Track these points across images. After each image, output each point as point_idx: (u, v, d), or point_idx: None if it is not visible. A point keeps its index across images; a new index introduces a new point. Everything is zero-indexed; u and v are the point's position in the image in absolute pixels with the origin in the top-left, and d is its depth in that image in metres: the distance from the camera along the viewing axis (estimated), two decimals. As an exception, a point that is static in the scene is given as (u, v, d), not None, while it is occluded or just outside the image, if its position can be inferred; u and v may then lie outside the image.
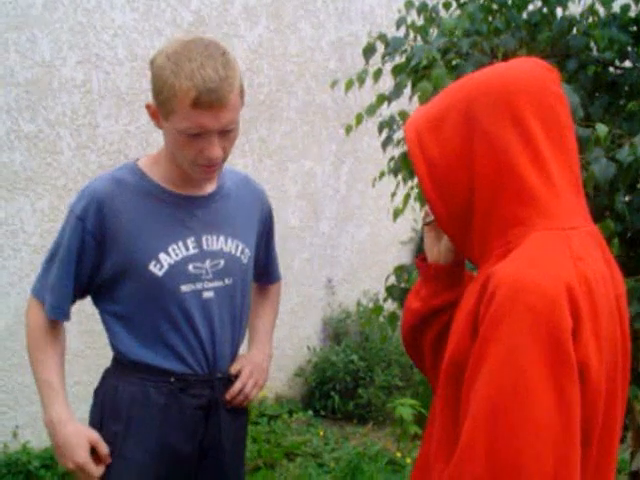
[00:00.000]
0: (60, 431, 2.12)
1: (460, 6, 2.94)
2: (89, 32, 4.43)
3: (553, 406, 1.24)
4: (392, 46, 2.95)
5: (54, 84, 4.34)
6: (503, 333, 1.27)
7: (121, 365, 2.20)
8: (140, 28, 4.62)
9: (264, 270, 2.48)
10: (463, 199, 1.45)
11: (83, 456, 2.08)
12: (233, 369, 2.25)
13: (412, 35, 3.00)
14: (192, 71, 1.86)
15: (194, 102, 1.87)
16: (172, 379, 2.14)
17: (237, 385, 2.24)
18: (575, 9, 2.81)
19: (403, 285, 2.83)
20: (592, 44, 2.63)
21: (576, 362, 1.26)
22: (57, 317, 2.18)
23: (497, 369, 1.27)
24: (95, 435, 2.12)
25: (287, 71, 5.37)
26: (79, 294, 2.18)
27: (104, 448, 2.11)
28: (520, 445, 1.24)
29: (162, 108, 1.95)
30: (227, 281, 2.19)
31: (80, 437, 2.10)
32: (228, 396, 2.22)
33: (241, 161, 5.04)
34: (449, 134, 1.46)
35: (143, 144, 4.66)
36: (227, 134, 1.99)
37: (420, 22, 3.00)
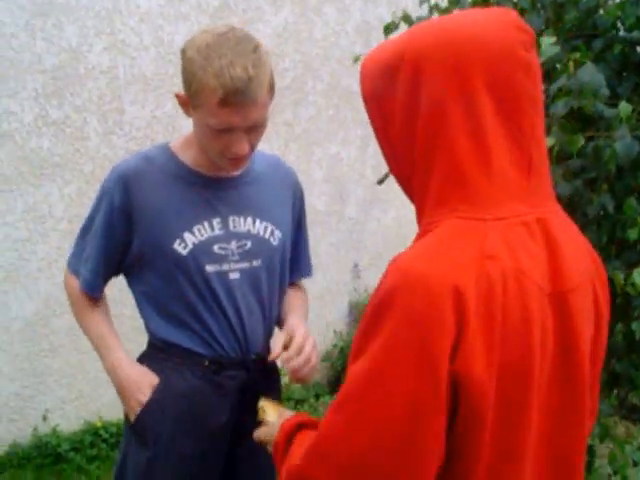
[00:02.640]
0: (121, 373, 2.19)
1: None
2: (115, 18, 4.44)
3: (405, 407, 1.18)
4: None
5: (80, 70, 4.35)
6: (380, 327, 1.21)
7: (155, 348, 2.22)
8: (166, 13, 4.62)
9: (294, 260, 2.41)
10: (407, 161, 1.35)
11: (147, 394, 2.15)
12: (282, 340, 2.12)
13: (436, 16, 2.98)
14: (221, 69, 1.85)
15: (221, 101, 1.87)
16: (206, 362, 2.15)
17: (295, 344, 2.10)
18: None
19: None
20: (619, 24, 2.60)
21: (451, 371, 1.17)
22: (90, 291, 2.23)
23: (367, 362, 1.22)
24: (156, 379, 2.17)
25: (312, 55, 5.36)
26: (111, 270, 2.22)
27: None
28: (362, 433, 1.22)
29: (191, 100, 1.96)
30: (255, 263, 2.18)
31: (143, 378, 2.17)
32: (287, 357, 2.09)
33: (267, 146, 5.04)
34: (400, 87, 1.32)
35: (169, 129, 4.67)
36: (255, 129, 1.99)
37: (444, 4, 2.99)
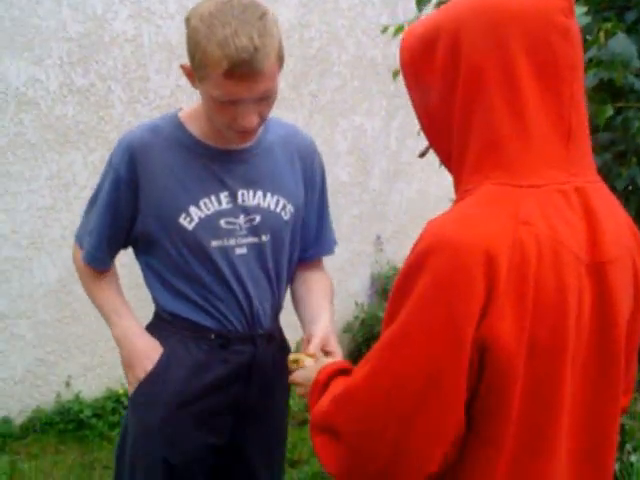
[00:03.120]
0: (130, 342, 2.18)
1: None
2: (140, -15, 4.42)
3: (426, 366, 1.22)
4: (446, -4, 2.89)
5: (105, 38, 4.35)
6: (410, 290, 1.23)
7: (161, 319, 2.20)
8: (191, -19, 4.60)
9: (316, 235, 2.35)
10: (447, 129, 1.35)
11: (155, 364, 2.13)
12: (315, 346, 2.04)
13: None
14: (225, 38, 1.76)
15: (226, 73, 1.79)
16: (212, 336, 2.12)
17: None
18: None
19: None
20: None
21: (478, 335, 1.19)
22: (94, 265, 2.22)
23: (397, 324, 1.25)
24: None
25: (338, 25, 5.32)
26: (117, 245, 2.19)
27: None
28: (380, 386, 1.26)
29: (196, 71, 1.89)
30: (264, 238, 2.13)
31: (152, 349, 2.15)
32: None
33: (291, 116, 5.02)
34: (440, 59, 1.33)
35: (194, 98, 4.63)
36: (264, 100, 1.91)
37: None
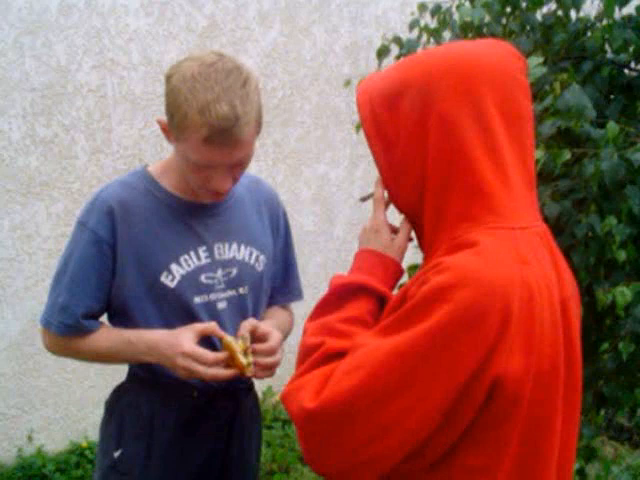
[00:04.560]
0: (158, 342, 1.95)
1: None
2: (104, 37, 4.44)
3: (409, 396, 1.25)
4: (406, 48, 2.95)
5: (69, 88, 4.35)
6: (427, 316, 1.24)
7: (139, 380, 2.14)
8: (154, 33, 4.63)
9: (283, 282, 2.35)
10: (417, 183, 1.39)
11: (189, 342, 1.91)
12: (261, 329, 2.02)
13: (425, 37, 3.00)
14: (207, 104, 1.73)
15: (206, 139, 1.76)
16: (195, 393, 2.09)
17: (268, 345, 2.00)
18: (590, 11, 2.80)
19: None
20: (607, 46, 2.61)
21: (490, 372, 1.24)
22: (69, 333, 2.07)
23: (397, 341, 1.26)
24: (197, 325, 1.97)
25: (301, 75, 5.37)
26: (99, 310, 2.08)
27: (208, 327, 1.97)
28: (361, 404, 1.27)
29: (173, 131, 1.85)
30: (241, 290, 2.12)
31: (180, 333, 1.94)
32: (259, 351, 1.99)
33: (255, 165, 5.05)
34: (405, 113, 1.38)
35: (157, 148, 4.66)
36: (239, 165, 1.90)
37: (433, 25, 3.00)
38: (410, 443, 1.28)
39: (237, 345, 1.94)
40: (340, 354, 1.38)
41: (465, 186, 1.33)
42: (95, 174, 4.49)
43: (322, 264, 5.65)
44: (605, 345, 2.44)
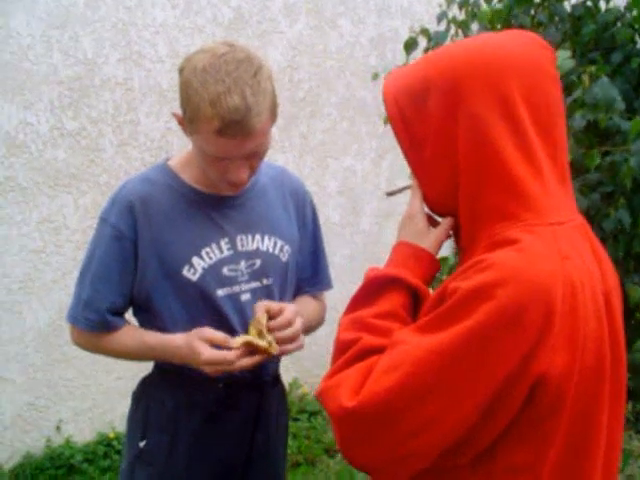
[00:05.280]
0: (176, 350, 1.97)
1: (501, 0, 2.91)
2: (130, 30, 4.46)
3: (449, 396, 1.25)
4: (434, 40, 2.93)
5: (96, 82, 4.37)
6: (467, 314, 1.23)
7: (164, 372, 2.15)
8: (181, 25, 4.64)
9: (312, 272, 2.34)
10: (449, 181, 1.38)
11: (205, 350, 1.91)
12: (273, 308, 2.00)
13: (453, 30, 2.98)
14: (218, 96, 1.73)
15: (218, 131, 1.76)
16: (220, 385, 2.09)
17: (284, 318, 1.98)
18: (619, 1, 2.77)
19: (445, 277, 2.81)
20: (637, 37, 2.59)
21: (532, 371, 1.23)
22: (95, 329, 2.10)
23: (438, 340, 1.25)
24: (206, 332, 1.95)
25: (327, 67, 5.36)
26: (123, 305, 2.10)
27: (217, 335, 1.96)
28: (401, 404, 1.26)
29: (187, 123, 1.86)
30: (265, 281, 2.12)
31: (192, 342, 1.93)
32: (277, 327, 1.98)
33: (282, 157, 5.05)
34: (432, 111, 1.37)
35: (184, 140, 4.64)
36: (255, 155, 1.89)
37: (461, 17, 2.98)
38: (447, 441, 1.28)
39: (251, 331, 1.95)
40: (377, 350, 1.37)
41: (499, 183, 1.32)
42: (122, 167, 4.51)
43: (348, 256, 5.64)
44: (638, 342, 2.41)
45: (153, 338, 2.04)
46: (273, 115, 1.87)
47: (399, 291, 1.47)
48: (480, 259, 1.28)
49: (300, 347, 2.05)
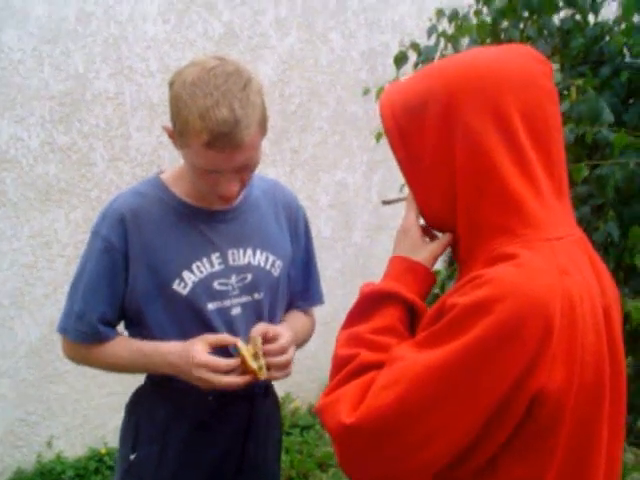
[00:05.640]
0: (172, 355, 1.98)
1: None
2: (121, 44, 4.46)
3: (450, 411, 1.24)
4: (424, 54, 2.94)
5: (87, 96, 4.37)
6: (468, 329, 1.23)
7: (155, 384, 2.16)
8: (172, 40, 4.64)
9: (304, 287, 2.35)
10: (446, 194, 1.38)
11: (201, 353, 1.93)
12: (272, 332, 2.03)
13: (443, 44, 2.99)
14: (206, 110, 1.74)
15: (207, 144, 1.77)
16: (210, 397, 2.08)
17: (279, 344, 2.02)
18: (608, 15, 2.78)
19: (436, 291, 2.82)
20: (625, 50, 2.60)
21: (530, 386, 1.22)
22: (86, 340, 2.10)
23: (443, 357, 1.25)
24: (209, 337, 1.98)
25: (318, 81, 5.38)
26: (113, 317, 2.10)
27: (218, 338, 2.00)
28: (401, 420, 1.26)
29: (177, 137, 1.88)
30: (256, 296, 2.12)
31: (192, 344, 1.95)
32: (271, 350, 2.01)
33: (273, 171, 5.05)
34: (429, 125, 1.37)
35: (175, 155, 4.65)
36: (245, 168, 1.90)
37: (451, 31, 2.99)
38: (447, 456, 1.28)
39: (247, 350, 1.96)
40: (375, 366, 1.37)
41: (496, 198, 1.32)
42: (114, 181, 4.51)
43: (340, 270, 5.64)
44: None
45: (147, 344, 2.05)
46: (262, 128, 1.88)
47: (395, 306, 1.47)
48: (478, 274, 1.28)
49: (287, 375, 2.07)
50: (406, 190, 1.55)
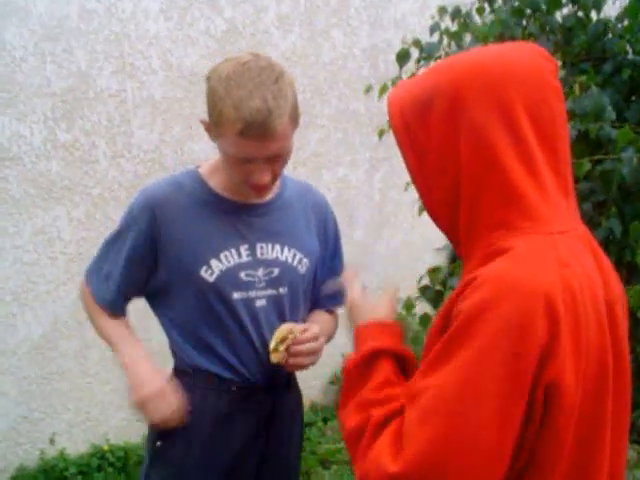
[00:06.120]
0: (134, 368, 2.12)
1: (493, 11, 2.92)
2: (124, 42, 4.46)
3: (495, 420, 1.21)
4: (426, 51, 2.94)
5: (90, 94, 4.37)
6: (474, 335, 1.22)
7: (181, 372, 2.20)
8: (174, 37, 4.64)
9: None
10: (450, 190, 1.38)
11: (153, 388, 2.08)
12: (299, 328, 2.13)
13: (446, 41, 2.99)
14: (240, 100, 1.84)
15: (240, 133, 1.86)
16: (234, 387, 2.14)
17: (311, 333, 2.13)
18: (610, 12, 2.78)
19: (438, 287, 2.83)
20: (628, 47, 2.60)
21: (541, 379, 1.21)
22: (107, 307, 2.21)
23: (456, 374, 1.24)
24: (166, 379, 2.13)
25: (320, 79, 5.37)
26: (134, 291, 2.21)
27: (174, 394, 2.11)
28: (452, 447, 1.22)
29: (213, 128, 1.96)
30: (281, 290, 2.18)
31: (155, 372, 2.12)
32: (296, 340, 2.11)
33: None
34: (435, 122, 1.37)
35: (177, 152, 4.68)
36: (277, 158, 1.98)
37: (454, 28, 2.99)
38: (505, 464, 1.24)
39: (280, 331, 2.08)
40: (393, 415, 1.35)
41: (499, 193, 1.32)
42: (116, 178, 4.51)
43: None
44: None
45: (129, 353, 2.17)
46: (294, 120, 1.98)
47: (383, 360, 1.49)
48: (474, 276, 1.28)
49: (314, 362, 2.17)
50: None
